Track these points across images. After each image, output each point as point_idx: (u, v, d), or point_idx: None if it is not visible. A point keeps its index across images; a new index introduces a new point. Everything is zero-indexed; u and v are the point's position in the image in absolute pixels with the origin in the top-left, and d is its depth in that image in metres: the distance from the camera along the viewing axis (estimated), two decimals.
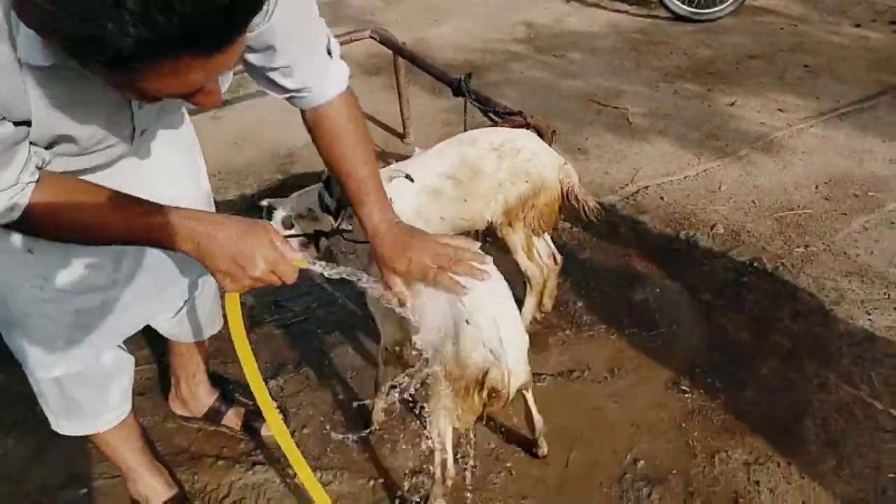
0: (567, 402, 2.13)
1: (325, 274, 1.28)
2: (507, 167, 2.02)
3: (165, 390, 2.16)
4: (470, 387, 1.44)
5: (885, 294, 2.51)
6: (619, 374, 2.22)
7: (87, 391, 1.58)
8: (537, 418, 1.89)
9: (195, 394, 2.08)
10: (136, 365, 2.23)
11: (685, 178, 3.28)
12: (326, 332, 2.45)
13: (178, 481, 1.93)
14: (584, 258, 2.75)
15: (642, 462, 1.94)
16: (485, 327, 1.39)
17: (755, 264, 2.68)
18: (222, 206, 2.96)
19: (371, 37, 3.24)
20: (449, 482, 1.69)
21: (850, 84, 4.13)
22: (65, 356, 1.49)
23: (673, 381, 2.19)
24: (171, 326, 1.78)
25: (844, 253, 2.73)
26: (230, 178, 3.37)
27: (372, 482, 1.93)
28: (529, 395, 1.82)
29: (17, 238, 1.27)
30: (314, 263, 1.27)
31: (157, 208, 1.15)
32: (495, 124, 2.50)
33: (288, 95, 1.36)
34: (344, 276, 1.30)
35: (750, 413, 2.07)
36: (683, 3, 5.11)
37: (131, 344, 1.68)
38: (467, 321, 1.38)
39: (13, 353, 1.50)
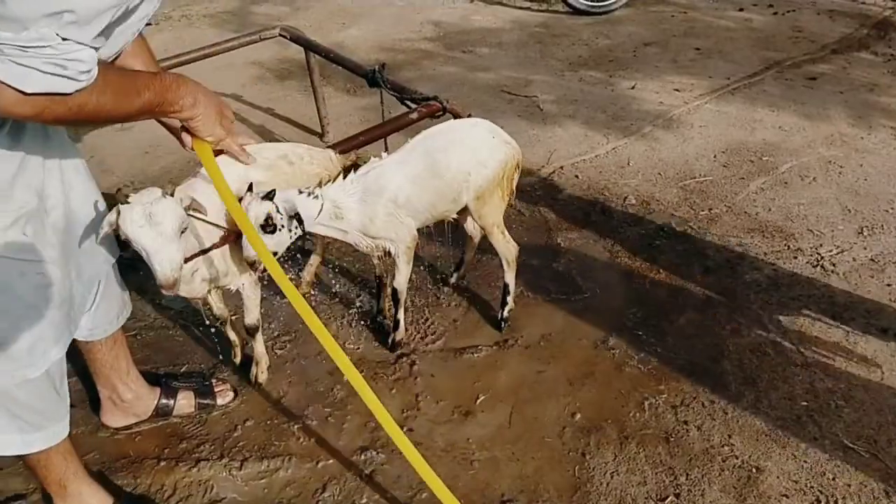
0: (504, 369, 2.21)
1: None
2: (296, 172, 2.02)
3: (94, 401, 2.09)
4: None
5: (785, 245, 2.73)
6: (551, 339, 2.32)
7: (53, 391, 1.55)
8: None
9: (137, 393, 2.02)
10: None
11: (596, 156, 3.44)
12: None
13: (118, 488, 1.88)
14: (510, 236, 2.84)
15: (579, 415, 2.04)
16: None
17: (665, 229, 2.85)
18: None
19: (281, 34, 3.24)
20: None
21: (738, 62, 4.45)
22: (59, 342, 1.51)
23: (601, 338, 2.31)
24: (88, 321, 1.74)
25: (745, 212, 2.94)
26: (147, 186, 3.27)
27: (320, 464, 1.94)
28: None
29: (13, 223, 1.32)
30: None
31: (158, 73, 1.43)
32: (412, 111, 2.56)
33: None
34: None
35: (673, 360, 2.21)
36: None
37: None
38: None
39: None
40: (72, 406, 2.09)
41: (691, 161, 3.36)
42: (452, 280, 2.57)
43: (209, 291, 1.98)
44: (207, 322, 2.48)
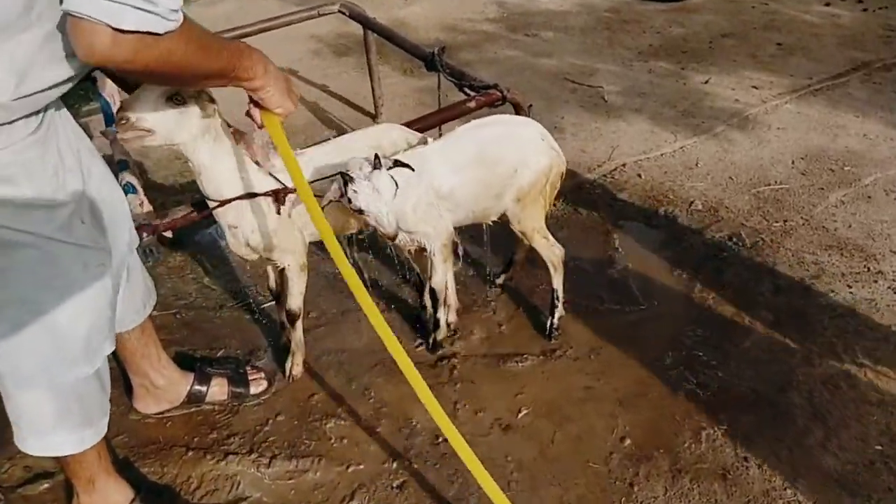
0: (551, 381, 2.08)
1: None
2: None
3: (127, 381, 2.04)
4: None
5: (864, 267, 2.50)
6: (601, 352, 2.17)
7: (100, 386, 1.53)
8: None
9: (170, 379, 1.97)
10: None
11: (662, 155, 3.24)
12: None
13: (141, 477, 1.83)
14: (563, 236, 2.68)
15: (629, 440, 1.89)
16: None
17: (734, 239, 2.65)
18: None
19: (340, 11, 3.13)
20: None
21: (822, 61, 4.13)
22: (111, 335, 1.50)
23: (656, 357, 2.15)
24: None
25: (823, 227, 2.72)
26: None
27: (350, 468, 1.85)
28: None
29: (67, 214, 1.31)
30: None
31: (237, 41, 1.40)
32: (470, 98, 2.42)
33: None
34: None
35: (735, 387, 2.04)
36: None
37: None
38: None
39: (28, 363, 1.39)
40: None
41: (766, 166, 3.12)
42: (499, 280, 2.44)
43: (263, 258, 1.94)
44: (251, 301, 2.43)
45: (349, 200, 1.66)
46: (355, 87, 3.87)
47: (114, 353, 2.06)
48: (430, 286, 2.07)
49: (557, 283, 2.18)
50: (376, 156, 1.68)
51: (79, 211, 1.34)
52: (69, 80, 1.21)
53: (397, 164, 1.70)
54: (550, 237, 2.13)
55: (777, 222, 2.74)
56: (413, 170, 1.73)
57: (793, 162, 3.15)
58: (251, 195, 1.75)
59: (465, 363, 2.14)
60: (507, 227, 2.09)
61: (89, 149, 1.49)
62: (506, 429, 1.94)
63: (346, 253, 1.50)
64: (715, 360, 2.12)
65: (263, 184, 1.77)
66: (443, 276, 2.04)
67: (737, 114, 3.56)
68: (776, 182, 3.00)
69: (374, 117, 3.52)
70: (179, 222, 1.92)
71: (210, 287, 2.52)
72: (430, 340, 2.18)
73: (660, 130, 3.45)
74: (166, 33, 1.10)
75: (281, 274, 2.02)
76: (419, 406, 1.98)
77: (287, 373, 2.11)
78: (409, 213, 1.85)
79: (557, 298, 2.20)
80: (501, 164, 1.92)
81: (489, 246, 2.44)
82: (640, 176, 3.08)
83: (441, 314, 2.14)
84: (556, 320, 2.21)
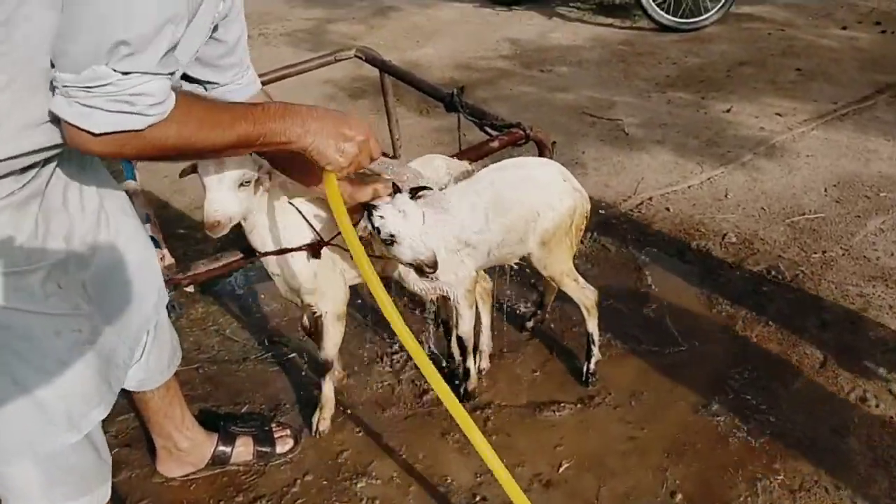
0: (591, 431, 1.97)
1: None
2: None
3: (150, 442, 1.96)
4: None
5: None
6: (643, 398, 2.07)
7: (94, 453, 1.44)
8: None
9: (194, 441, 1.89)
10: (119, 414, 2.09)
11: (689, 187, 3.16)
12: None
13: None
14: (593, 274, 2.60)
15: (679, 495, 1.77)
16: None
17: (773, 273, 2.55)
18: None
19: (357, 56, 3.10)
20: None
21: (844, 85, 4.07)
22: (101, 403, 1.40)
23: (702, 401, 2.04)
24: (139, 371, 1.60)
25: (864, 257, 2.61)
26: None
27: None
28: None
29: (38, 281, 1.22)
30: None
31: (264, 103, 1.31)
32: (493, 138, 2.36)
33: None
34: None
35: (789, 432, 1.92)
36: (668, 13, 5.05)
37: None
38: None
39: (16, 441, 1.31)
40: (126, 446, 2.03)
41: (799, 195, 3.03)
42: (529, 325, 2.35)
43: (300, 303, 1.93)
44: (274, 354, 2.36)
45: (378, 231, 1.59)
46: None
47: (137, 414, 2.01)
48: (458, 335, 2.00)
49: (592, 326, 2.09)
50: (394, 184, 1.63)
51: (54, 275, 1.25)
52: (53, 147, 1.14)
53: (416, 190, 1.64)
54: (580, 279, 2.04)
55: (816, 253, 2.64)
56: (432, 189, 1.68)
57: (826, 189, 3.05)
58: (287, 250, 1.75)
59: (500, 413, 2.05)
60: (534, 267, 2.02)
61: (120, 208, 1.43)
62: (546, 485, 1.83)
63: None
64: (764, 404, 2.01)
65: (304, 234, 1.75)
66: (469, 323, 1.96)
67: (763, 142, 3.48)
68: (811, 211, 2.91)
69: (392, 158, 3.47)
70: (202, 276, 1.87)
71: (233, 339, 2.46)
72: (462, 390, 2.09)
73: (685, 161, 3.37)
74: (149, 126, 1.06)
75: (317, 322, 1.96)
76: (454, 461, 1.90)
77: (314, 428, 2.02)
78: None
79: (593, 342, 2.10)
80: (523, 208, 1.84)
81: (518, 287, 2.36)
82: (668, 209, 3.00)
83: (470, 363, 2.06)
84: (592, 365, 2.11)
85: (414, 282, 1.86)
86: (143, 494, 1.89)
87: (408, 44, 5.27)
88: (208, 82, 1.47)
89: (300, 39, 5.46)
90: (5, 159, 1.09)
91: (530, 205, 1.85)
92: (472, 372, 2.08)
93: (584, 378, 2.12)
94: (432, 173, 1.90)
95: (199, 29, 1.21)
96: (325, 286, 1.85)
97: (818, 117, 3.68)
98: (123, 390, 1.60)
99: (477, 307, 2.06)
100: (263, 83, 3.23)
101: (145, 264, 1.51)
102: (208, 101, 1.25)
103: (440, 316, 2.23)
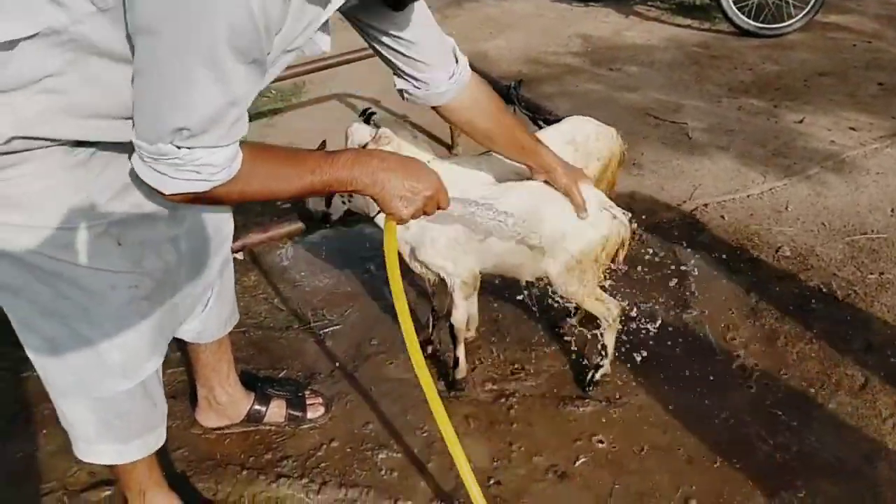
0: (614, 430, 1.98)
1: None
2: (581, 155, 1.99)
3: (195, 395, 2.09)
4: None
5: None
6: (670, 402, 2.06)
7: (149, 401, 1.53)
8: None
9: (233, 397, 2.01)
10: (168, 367, 2.23)
11: (748, 196, 3.09)
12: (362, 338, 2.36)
13: (198, 491, 1.86)
14: (636, 278, 2.59)
15: (694, 501, 1.77)
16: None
17: (824, 290, 2.47)
18: None
19: None
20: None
21: None
22: (154, 354, 1.48)
23: (731, 413, 2.01)
24: (198, 324, 1.71)
25: None
26: None
27: (398, 503, 1.81)
28: None
29: (89, 238, 1.27)
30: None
31: (333, 152, 1.32)
32: None
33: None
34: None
35: (817, 452, 1.88)
36: (749, 17, 4.90)
37: None
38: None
39: (66, 377, 1.41)
40: (172, 398, 2.15)
41: (863, 213, 2.91)
42: (572, 320, 2.31)
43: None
44: (315, 326, 2.46)
45: None
46: (434, 118, 3.83)
47: (186, 364, 2.15)
48: (450, 322, 2.03)
49: (609, 339, 2.04)
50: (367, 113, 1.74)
51: (113, 233, 1.29)
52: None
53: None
54: (604, 295, 1.97)
55: (872, 274, 2.55)
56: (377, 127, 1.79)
57: (892, 210, 2.93)
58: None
59: (524, 403, 2.08)
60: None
61: None
62: (562, 476, 1.85)
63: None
64: (795, 421, 1.97)
65: None
66: (462, 314, 1.99)
67: (832, 156, 3.36)
68: (873, 231, 2.80)
69: (450, 148, 3.53)
70: (254, 244, 1.98)
71: (279, 308, 2.57)
72: (450, 378, 2.13)
73: (747, 170, 3.29)
74: (213, 188, 1.14)
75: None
76: (472, 443, 1.94)
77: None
78: (426, 245, 1.85)
79: (605, 355, 2.06)
80: (550, 225, 1.80)
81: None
82: (723, 217, 2.94)
83: (461, 353, 2.08)
84: (598, 376, 2.09)
85: (413, 262, 1.93)
86: (181, 444, 2.01)
87: (480, 35, 5.29)
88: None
89: None
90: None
91: (558, 225, 1.80)
92: (462, 361, 2.10)
93: (586, 384, 2.10)
94: (582, 138, 2.01)
95: (271, 76, 1.23)
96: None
97: (894, 135, 3.52)
98: (177, 339, 1.71)
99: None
100: (332, 66, 3.34)
101: (222, 225, 1.61)
102: (275, 155, 1.27)
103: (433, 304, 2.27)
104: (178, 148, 1.06)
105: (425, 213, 1.43)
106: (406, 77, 1.59)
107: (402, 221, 1.42)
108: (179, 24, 0.96)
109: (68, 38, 1.03)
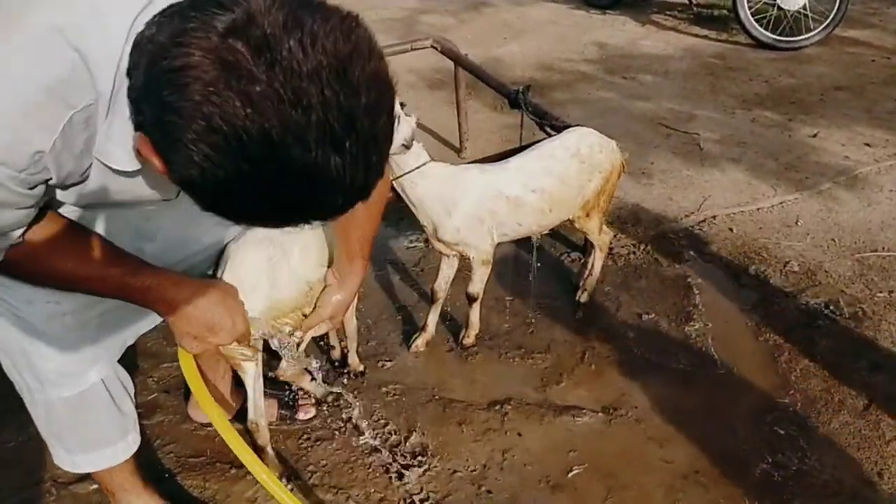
0: (609, 442, 1.95)
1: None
2: (586, 168, 2.09)
3: (187, 390, 2.09)
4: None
5: None
6: (669, 416, 2.02)
7: (102, 411, 1.45)
8: None
9: (225, 394, 1.99)
10: (163, 362, 2.22)
11: (758, 209, 3.04)
12: None
13: (185, 489, 1.85)
14: (641, 287, 2.55)
15: None
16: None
17: (831, 307, 2.42)
18: None
19: (433, 46, 3.16)
20: None
21: None
22: (97, 364, 1.39)
23: (730, 428, 1.97)
24: None
25: None
26: None
27: None
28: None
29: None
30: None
31: (141, 268, 1.19)
32: (550, 139, 2.36)
33: None
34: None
35: (815, 472, 1.83)
36: (767, 29, 4.85)
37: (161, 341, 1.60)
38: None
39: (16, 376, 1.38)
40: (165, 392, 2.15)
41: (874, 231, 2.86)
42: (581, 297, 2.43)
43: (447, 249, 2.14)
44: None
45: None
46: (444, 120, 3.88)
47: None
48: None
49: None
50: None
51: None
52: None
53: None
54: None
55: (881, 292, 2.49)
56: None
57: None
58: None
59: (519, 411, 2.05)
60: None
61: None
62: (553, 487, 1.82)
63: None
64: (796, 440, 1.92)
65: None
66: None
67: (845, 171, 3.30)
68: (884, 248, 2.74)
69: (458, 151, 3.51)
70: None
71: None
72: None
73: (758, 183, 3.24)
74: None
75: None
76: (465, 451, 1.92)
77: (460, 340, 2.28)
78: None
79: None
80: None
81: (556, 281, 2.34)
82: (731, 230, 2.90)
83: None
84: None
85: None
86: (172, 438, 2.00)
87: (494, 40, 5.28)
88: None
89: (391, 27, 5.56)
90: None
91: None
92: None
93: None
94: (587, 149, 2.08)
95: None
96: (469, 239, 1.99)
97: None
98: None
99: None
100: None
101: (189, 241, 1.48)
102: (68, 254, 1.13)
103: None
104: None
105: (220, 345, 1.38)
106: None
107: (188, 351, 1.36)
108: None
109: None
